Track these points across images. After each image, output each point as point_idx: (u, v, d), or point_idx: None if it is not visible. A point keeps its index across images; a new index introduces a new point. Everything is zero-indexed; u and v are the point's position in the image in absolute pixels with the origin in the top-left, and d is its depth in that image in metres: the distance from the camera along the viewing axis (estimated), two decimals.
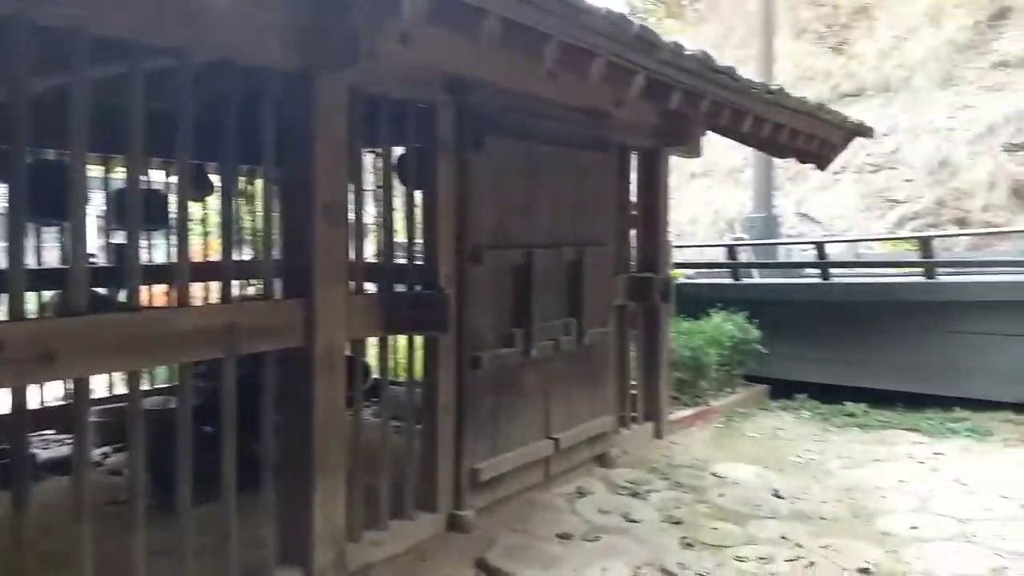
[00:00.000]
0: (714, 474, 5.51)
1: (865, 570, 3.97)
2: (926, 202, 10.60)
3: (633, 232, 6.28)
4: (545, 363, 4.86)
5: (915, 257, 7.74)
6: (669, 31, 14.12)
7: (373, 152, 5.30)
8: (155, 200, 5.74)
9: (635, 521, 4.59)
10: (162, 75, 3.07)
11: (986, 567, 4.00)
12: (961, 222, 10.17)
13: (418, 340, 4.20)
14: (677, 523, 4.58)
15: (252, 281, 6.39)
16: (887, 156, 11.34)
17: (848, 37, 13.42)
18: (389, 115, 3.92)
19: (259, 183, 6.07)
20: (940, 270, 7.46)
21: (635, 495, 5.02)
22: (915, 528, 4.58)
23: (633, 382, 6.15)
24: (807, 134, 6.01)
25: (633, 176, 6.30)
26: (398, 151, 4.53)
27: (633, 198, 6.29)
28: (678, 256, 9.34)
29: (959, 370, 7.02)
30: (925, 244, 7.54)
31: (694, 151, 6.63)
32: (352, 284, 3.78)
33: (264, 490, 3.36)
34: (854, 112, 11.08)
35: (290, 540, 3.43)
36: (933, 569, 3.99)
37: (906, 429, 6.75)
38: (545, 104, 4.69)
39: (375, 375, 5.68)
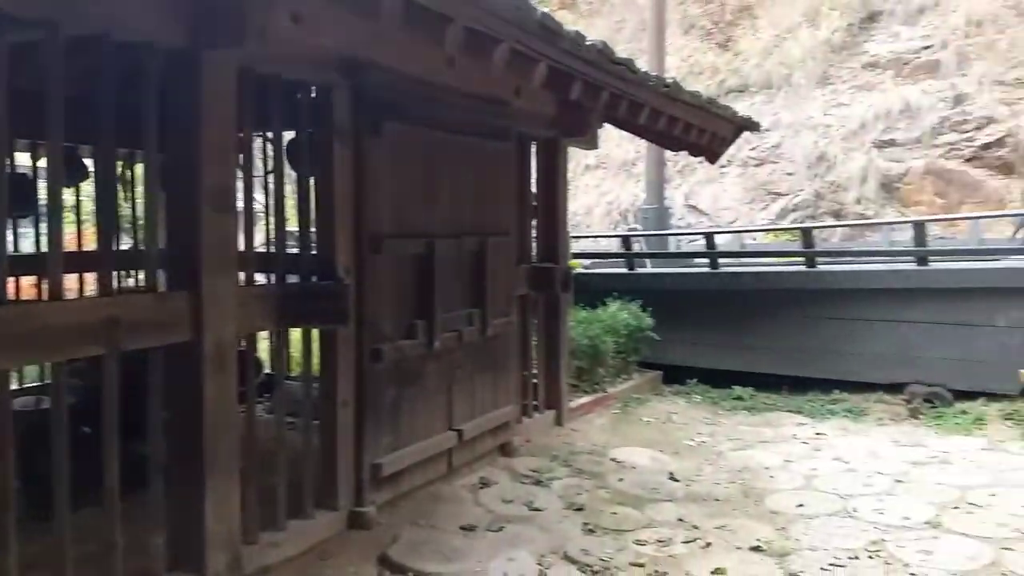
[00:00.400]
0: (613, 459, 5.60)
1: (757, 548, 4.13)
2: (805, 195, 11.17)
3: (533, 222, 6.29)
4: (448, 354, 4.79)
5: (797, 247, 8.12)
6: (562, 23, 14.23)
7: (264, 136, 5.07)
8: (22, 185, 5.30)
9: (538, 509, 4.60)
10: (29, 49, 2.80)
11: (866, 540, 4.23)
12: (837, 214, 10.77)
13: (315, 333, 4.04)
14: (579, 509, 4.63)
15: (132, 273, 6.03)
16: (769, 150, 11.88)
17: (733, 34, 13.95)
18: (281, 97, 3.74)
19: (140, 168, 5.70)
20: (820, 259, 7.85)
21: (538, 483, 5.04)
22: (801, 505, 4.80)
23: (534, 371, 6.17)
24: (699, 128, 6.18)
25: (533, 167, 6.30)
26: (290, 135, 4.34)
27: (533, 189, 6.29)
28: (574, 246, 9.46)
29: (837, 354, 7.42)
30: (806, 235, 7.91)
31: (591, 143, 6.71)
32: (243, 275, 3.60)
33: (152, 493, 3.15)
34: (739, 108, 11.53)
35: (181, 545, 3.23)
36: (819, 544, 4.18)
37: (790, 411, 7.09)
38: (445, 91, 4.60)
39: (268, 370, 5.47)
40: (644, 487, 5.08)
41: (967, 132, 10.54)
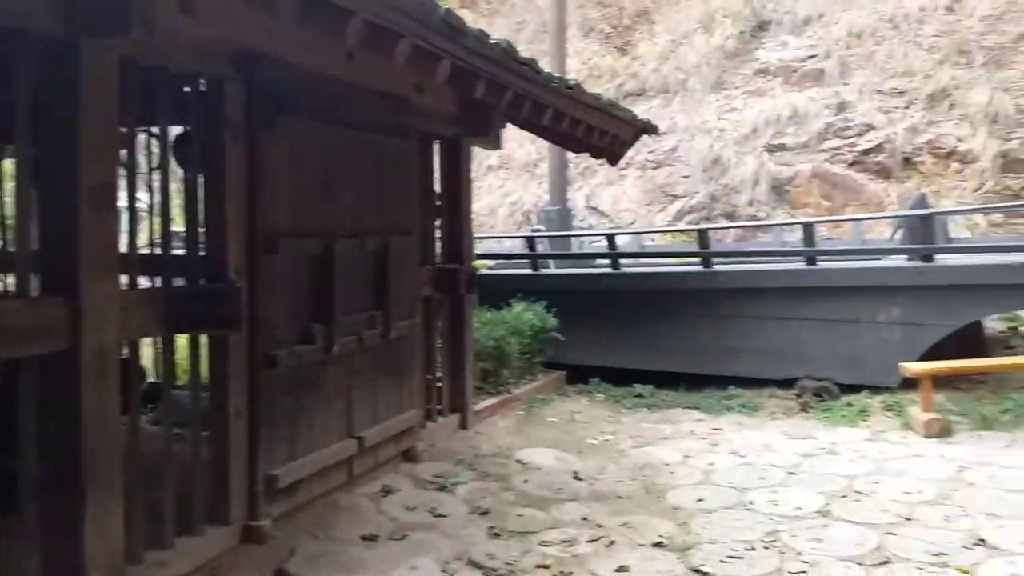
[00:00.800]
0: (518, 461, 5.59)
1: (660, 544, 4.19)
2: (701, 197, 11.54)
3: (437, 223, 6.21)
4: (348, 359, 4.65)
5: (694, 248, 8.36)
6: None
7: (148, 131, 4.78)
8: None
9: (443, 515, 4.53)
10: None
11: (762, 531, 4.37)
12: (730, 215, 11.17)
13: (205, 339, 3.83)
14: (484, 513, 4.58)
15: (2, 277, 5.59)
16: (667, 154, 12.20)
17: (631, 39, 14.26)
18: (169, 90, 3.53)
19: (9, 163, 5.28)
20: (716, 260, 8.10)
21: (442, 489, 4.96)
22: (701, 500, 4.91)
23: (439, 374, 6.09)
24: (601, 130, 6.25)
25: (436, 166, 6.22)
26: (178, 130, 4.10)
27: (436, 188, 6.21)
28: (479, 247, 9.43)
29: (732, 351, 7.67)
30: (702, 236, 8.15)
31: (495, 142, 6.67)
32: (125, 278, 3.37)
33: (27, 512, 2.90)
34: (637, 111, 11.77)
35: (57, 567, 2.98)
36: (718, 537, 4.29)
37: (689, 408, 7.28)
38: (346, 86, 4.46)
39: (153, 378, 5.19)
40: (549, 488, 5.08)
41: (849, 138, 11.14)
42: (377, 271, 4.92)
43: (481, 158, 13.16)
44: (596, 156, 7.09)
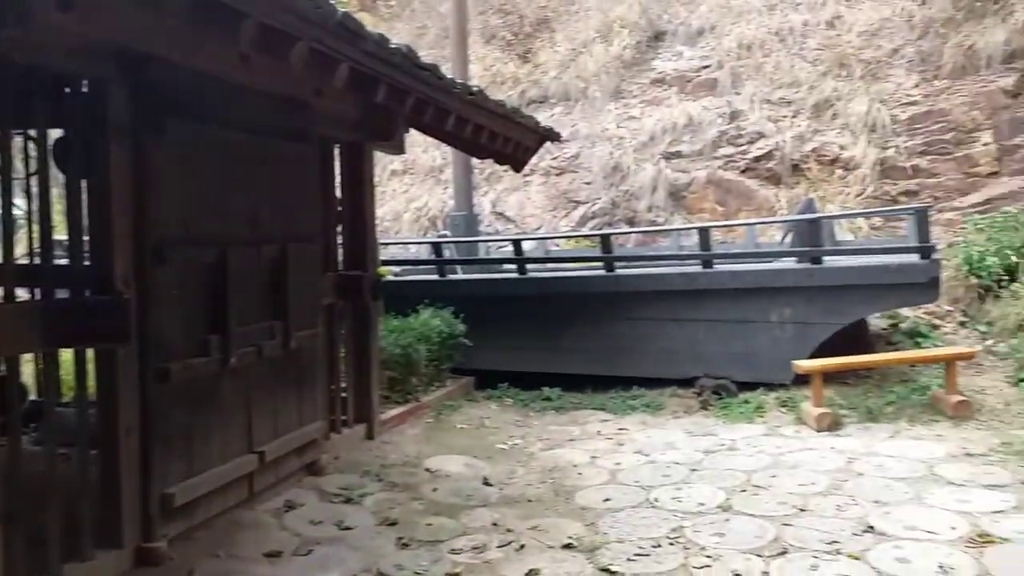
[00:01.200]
0: (427, 469, 5.53)
1: (569, 545, 4.23)
2: (603, 203, 11.74)
3: (339, 229, 6.09)
4: (247, 371, 4.48)
5: (597, 252, 8.50)
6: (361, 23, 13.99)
7: (25, 135, 4.49)
8: None
9: (349, 528, 4.44)
10: None
11: (667, 528, 4.47)
12: (631, 221, 11.42)
13: (91, 353, 3.62)
14: (392, 524, 4.52)
15: None
16: (569, 160, 12.37)
17: (533, 46, 14.40)
18: (47, 92, 3.32)
19: None
20: (618, 264, 8.26)
21: (348, 501, 4.86)
22: (608, 500, 4.99)
23: (343, 384, 5.96)
24: (505, 136, 6.28)
25: (337, 172, 6.10)
26: (59, 134, 3.87)
27: (338, 193, 6.09)
28: (384, 253, 9.30)
29: (635, 352, 7.84)
30: (604, 241, 8.30)
31: (398, 147, 6.60)
32: (0, 290, 3.14)
33: None
34: (540, 118, 11.87)
35: None
36: (625, 536, 4.37)
37: (595, 409, 7.39)
38: (241, 89, 4.31)
39: (34, 397, 4.88)
40: (459, 495, 5.06)
41: (741, 146, 11.57)
42: (276, 280, 4.77)
43: (385, 163, 12.98)
44: (500, 162, 7.12)
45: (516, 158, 6.82)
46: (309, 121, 5.10)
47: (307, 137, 5.16)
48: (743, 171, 11.46)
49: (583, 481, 5.39)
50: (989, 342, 8.08)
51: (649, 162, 11.74)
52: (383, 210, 12.95)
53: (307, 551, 4.10)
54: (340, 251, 6.08)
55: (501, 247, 10.05)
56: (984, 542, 4.08)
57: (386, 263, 8.10)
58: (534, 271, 8.62)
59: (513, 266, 8.48)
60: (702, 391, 7.41)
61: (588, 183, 12.09)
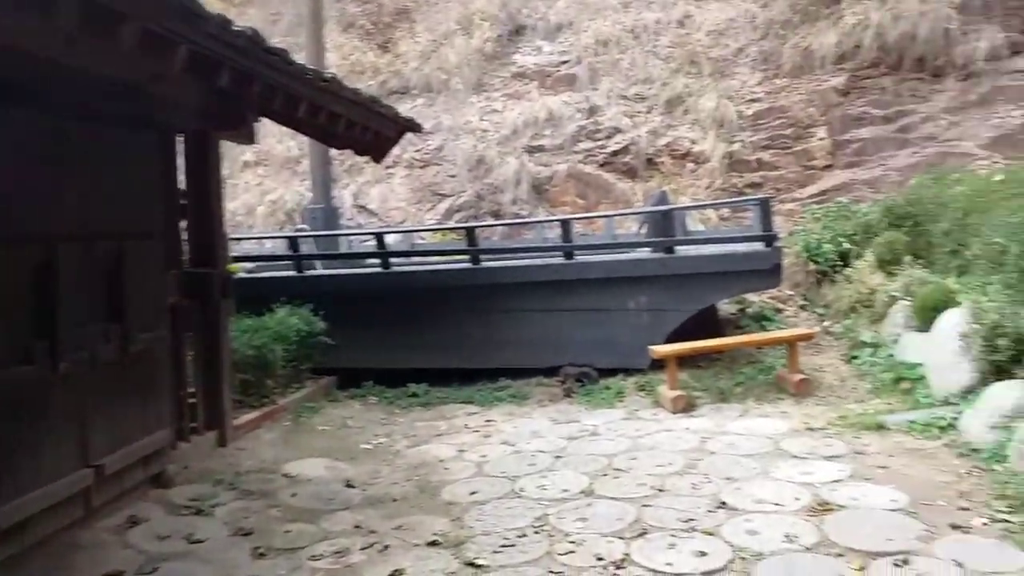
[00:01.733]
0: (285, 475, 5.31)
1: (434, 542, 4.18)
2: (468, 196, 11.73)
3: (183, 223, 5.72)
4: (79, 379, 4.12)
5: (463, 245, 8.44)
6: (210, 8, 13.27)
7: None
8: None
9: (200, 541, 4.18)
10: None
11: (532, 517, 4.50)
12: (496, 214, 11.48)
13: None
14: (247, 534, 4.30)
15: None
16: (433, 153, 12.27)
17: (393, 36, 14.17)
18: None
19: None
20: (483, 257, 8.25)
21: (199, 512, 4.58)
22: (474, 493, 4.97)
23: (192, 389, 5.60)
24: (363, 125, 6.08)
25: (181, 162, 5.72)
26: None
27: (182, 186, 5.71)
28: (236, 249, 8.86)
29: (502, 344, 7.87)
30: (470, 234, 8.27)
31: (248, 137, 6.25)
32: None
33: None
34: (402, 109, 11.69)
35: None
36: (491, 528, 4.36)
37: (463, 402, 7.36)
38: (66, 71, 3.93)
39: None
40: (319, 499, 4.88)
41: (599, 140, 11.88)
42: (111, 279, 4.42)
43: (236, 154, 12.40)
44: (360, 153, 6.91)
45: (376, 148, 6.64)
46: (147, 108, 4.73)
47: (145, 125, 4.81)
48: (602, 165, 11.77)
49: (449, 476, 5.34)
50: (827, 323, 8.70)
51: (512, 155, 11.83)
52: (235, 204, 12.39)
53: (152, 569, 3.82)
54: (186, 248, 5.71)
55: (364, 241, 9.82)
56: (824, 510, 4.36)
57: (238, 259, 7.71)
58: (398, 265, 8.47)
59: (376, 261, 8.29)
60: (566, 379, 7.54)
61: (453, 176, 12.05)
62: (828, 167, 11.06)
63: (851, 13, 11.42)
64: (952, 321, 6.03)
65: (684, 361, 7.16)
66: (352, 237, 10.15)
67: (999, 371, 5.43)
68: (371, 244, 8.87)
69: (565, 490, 4.91)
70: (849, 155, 10.97)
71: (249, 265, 8.23)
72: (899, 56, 11.00)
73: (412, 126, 6.97)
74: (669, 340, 7.35)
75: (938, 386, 6.04)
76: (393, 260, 8.42)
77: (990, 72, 10.49)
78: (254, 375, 6.48)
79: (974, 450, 4.99)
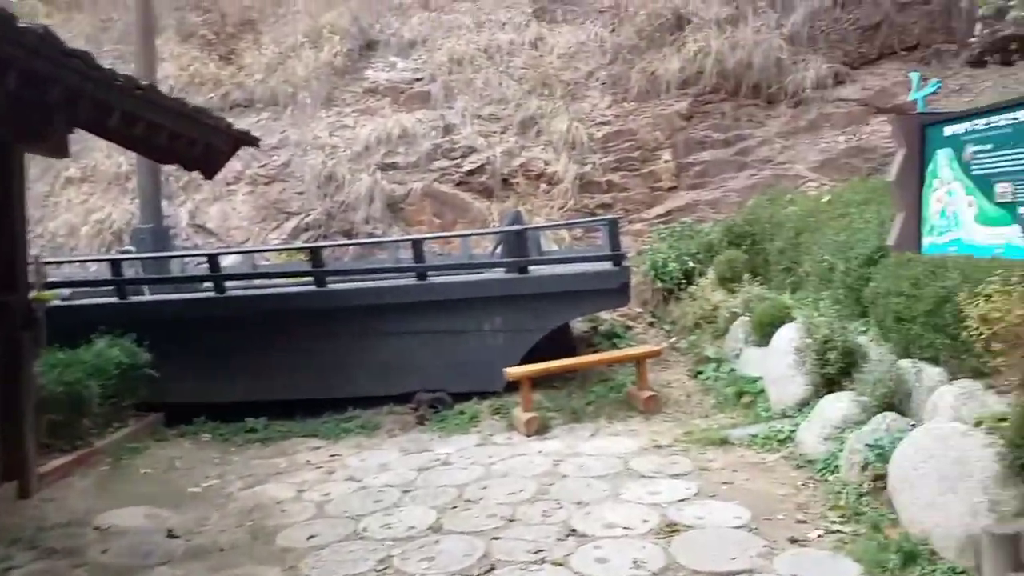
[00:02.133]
0: (97, 527, 4.73)
1: None
2: (317, 214, 11.22)
3: None
4: None
5: (310, 267, 7.97)
6: (33, 13, 12.15)
7: None
8: None
9: None
10: None
11: (375, 559, 4.21)
12: (348, 233, 11.04)
13: None
14: None
15: None
16: (279, 168, 11.69)
17: (236, 47, 13.45)
18: None
19: None
20: (330, 279, 7.85)
21: None
22: (313, 536, 4.61)
23: None
24: (189, 138, 5.60)
25: None
26: None
27: None
28: (55, 274, 8.00)
29: (350, 371, 7.48)
30: (315, 254, 7.83)
31: (60, 150, 5.58)
32: None
33: None
34: (246, 123, 11.10)
35: None
36: (328, 574, 4.02)
37: (306, 436, 6.90)
38: None
39: None
40: (135, 554, 4.37)
41: (455, 159, 11.74)
42: None
43: (58, 169, 11.34)
44: (189, 168, 6.37)
45: (207, 162, 6.14)
46: None
47: None
48: (458, 184, 11.64)
49: (287, 519, 4.94)
50: (673, 339, 8.91)
51: (365, 172, 11.47)
52: (55, 223, 11.33)
53: None
54: None
55: (200, 263, 9.13)
56: (671, 532, 4.34)
57: (53, 285, 6.90)
58: (235, 289, 7.90)
59: (211, 284, 7.67)
60: (418, 406, 7.26)
61: (300, 193, 11.52)
62: (673, 188, 11.44)
63: (693, 40, 11.93)
64: (787, 336, 6.26)
65: (539, 381, 7.07)
66: (187, 259, 9.43)
67: (830, 383, 5.66)
68: (206, 267, 8.22)
69: (412, 527, 4.65)
70: (692, 177, 11.40)
71: (66, 292, 7.40)
72: (737, 83, 11.59)
73: (248, 140, 6.54)
74: (524, 361, 7.24)
75: (776, 399, 6.25)
76: (231, 283, 7.85)
77: (817, 100, 11.23)
78: (65, 415, 5.75)
79: (809, 461, 5.16)
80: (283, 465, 6.12)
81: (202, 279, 8.00)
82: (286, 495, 5.38)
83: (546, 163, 11.67)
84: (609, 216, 9.04)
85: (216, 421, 7.10)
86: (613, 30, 12.89)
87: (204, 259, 8.23)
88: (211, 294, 7.53)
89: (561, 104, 12.19)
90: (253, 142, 6.71)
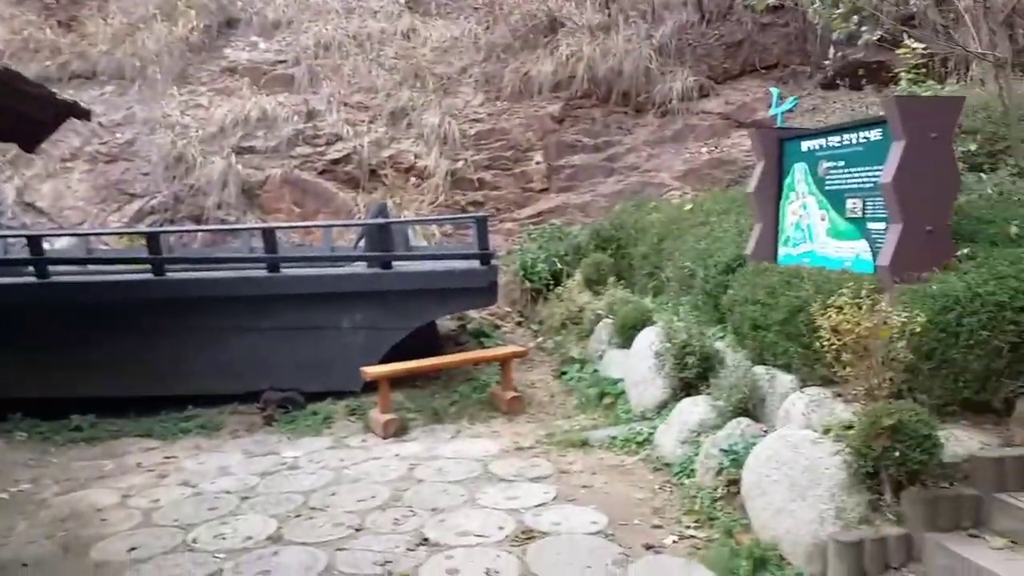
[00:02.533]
0: None
1: None
2: (164, 197, 10.37)
3: None
4: None
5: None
6: None
7: None
8: None
9: None
10: None
11: (203, 574, 3.80)
12: (197, 219, 10.27)
13: None
14: None
15: None
16: (123, 147, 10.73)
17: (79, 14, 12.30)
18: None
19: None
20: (170, 267, 7.20)
21: None
22: (135, 549, 4.14)
23: None
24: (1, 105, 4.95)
25: None
26: None
27: None
28: None
29: (191, 368, 6.88)
30: (152, 240, 7.15)
31: None
32: None
33: None
34: (88, 96, 10.16)
35: None
36: None
37: (138, 436, 6.32)
38: None
39: None
40: None
41: (319, 147, 11.20)
42: None
43: None
44: (2, 138, 5.66)
45: (23, 134, 5.47)
46: None
47: None
48: (321, 172, 11.12)
49: (106, 529, 4.42)
50: (540, 339, 8.84)
51: (219, 155, 10.73)
52: None
53: None
54: None
55: (25, 245, 8.18)
56: (527, 539, 4.18)
57: None
58: (61, 275, 7.11)
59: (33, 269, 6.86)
60: (266, 405, 6.79)
61: (146, 174, 10.63)
62: (544, 190, 11.43)
63: (566, 44, 11.97)
64: (648, 339, 6.29)
65: (400, 381, 6.78)
66: (11, 240, 8.46)
67: (688, 388, 5.71)
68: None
69: (249, 538, 4.26)
70: (563, 180, 11.43)
71: None
72: (608, 89, 11.72)
73: (77, 111, 5.89)
74: (385, 360, 6.92)
75: (636, 402, 6.26)
76: (60, 268, 7.05)
77: (682, 111, 11.54)
78: None
79: (666, 464, 5.15)
80: (109, 468, 5.52)
81: (25, 263, 7.14)
82: (109, 501, 4.83)
83: (416, 156, 11.36)
84: (479, 214, 8.86)
85: (35, 418, 6.36)
86: (487, 27, 12.76)
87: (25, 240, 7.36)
88: (32, 280, 6.72)
89: (433, 98, 11.91)
90: (83, 114, 6.05)
